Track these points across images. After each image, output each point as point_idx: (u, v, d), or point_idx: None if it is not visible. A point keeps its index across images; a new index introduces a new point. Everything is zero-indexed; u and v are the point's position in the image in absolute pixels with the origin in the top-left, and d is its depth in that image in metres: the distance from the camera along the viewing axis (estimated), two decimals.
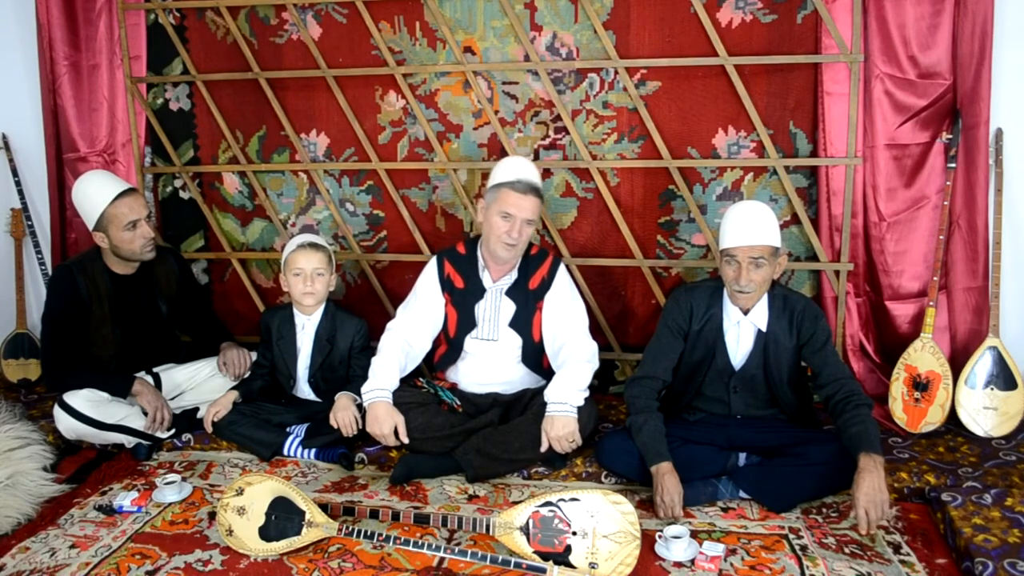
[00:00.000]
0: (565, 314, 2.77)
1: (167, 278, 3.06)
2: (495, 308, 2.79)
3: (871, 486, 2.19)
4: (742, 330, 2.54)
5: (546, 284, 2.79)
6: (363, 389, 2.69)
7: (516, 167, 2.72)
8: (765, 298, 2.51)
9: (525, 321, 2.78)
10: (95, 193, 2.82)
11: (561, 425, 2.52)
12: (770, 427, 2.58)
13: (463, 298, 2.81)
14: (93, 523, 2.44)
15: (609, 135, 3.13)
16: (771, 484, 2.43)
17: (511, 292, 2.79)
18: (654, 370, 2.60)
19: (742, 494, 2.46)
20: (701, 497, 2.45)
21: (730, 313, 2.54)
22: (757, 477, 2.45)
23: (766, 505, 2.42)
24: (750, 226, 2.41)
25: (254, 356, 3.11)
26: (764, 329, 2.51)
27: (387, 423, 2.60)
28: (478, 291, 2.80)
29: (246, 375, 3.06)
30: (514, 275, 2.79)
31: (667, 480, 2.36)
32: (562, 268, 2.82)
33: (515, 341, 2.80)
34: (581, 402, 2.58)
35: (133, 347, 2.98)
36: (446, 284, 2.84)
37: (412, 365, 2.83)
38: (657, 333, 2.63)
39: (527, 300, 2.78)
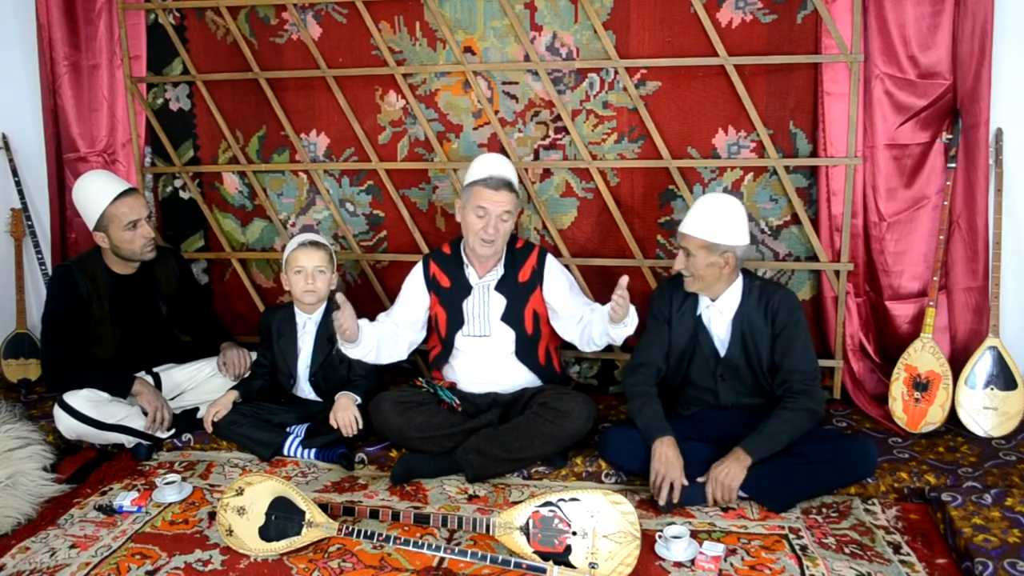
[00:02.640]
0: (571, 294, 2.82)
1: (167, 278, 3.06)
2: (484, 304, 2.80)
3: (722, 473, 2.38)
4: (713, 315, 2.62)
5: (538, 275, 2.80)
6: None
7: (488, 164, 2.75)
8: (739, 287, 2.59)
9: (517, 314, 2.80)
10: (96, 193, 2.82)
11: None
12: None
13: (450, 297, 2.83)
14: (93, 523, 2.44)
15: (609, 135, 3.13)
16: (770, 483, 2.43)
17: (500, 287, 2.80)
18: (646, 357, 2.67)
19: (741, 493, 2.46)
20: (700, 496, 2.45)
21: (702, 298, 2.63)
22: (756, 476, 2.45)
23: (765, 505, 2.42)
24: (691, 213, 2.55)
25: (254, 356, 3.11)
26: (732, 316, 2.58)
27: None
28: (464, 288, 2.82)
29: (246, 375, 3.06)
30: (500, 270, 2.81)
31: (670, 452, 2.41)
32: (550, 256, 2.86)
33: (508, 335, 2.81)
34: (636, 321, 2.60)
35: (133, 347, 2.98)
36: (432, 284, 2.86)
37: (390, 348, 2.82)
38: (646, 322, 2.71)
39: (518, 293, 2.80)
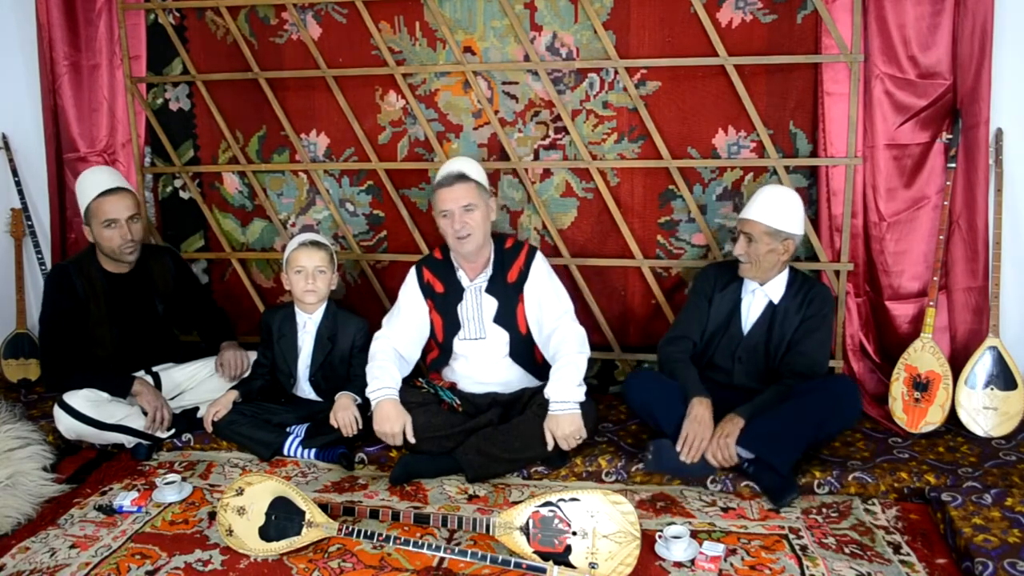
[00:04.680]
0: (548, 302, 2.78)
1: (163, 277, 3.06)
2: (476, 306, 2.80)
3: (722, 435, 2.47)
4: (755, 298, 2.72)
5: (524, 275, 2.80)
6: (368, 390, 2.70)
7: (443, 168, 2.81)
8: (785, 276, 2.72)
9: (509, 315, 2.79)
10: (85, 187, 2.87)
11: (568, 423, 2.55)
12: None
13: (444, 301, 2.83)
14: (93, 523, 2.44)
15: (609, 135, 3.13)
16: (765, 430, 2.45)
17: (491, 288, 2.80)
18: (685, 330, 2.78)
19: (741, 452, 2.48)
20: (694, 468, 2.51)
21: (748, 282, 2.74)
22: (749, 430, 2.47)
23: (765, 456, 2.43)
24: (756, 201, 2.66)
25: (253, 356, 3.10)
26: (776, 302, 2.68)
27: (397, 422, 2.62)
28: (457, 292, 2.81)
29: (245, 375, 3.05)
30: (489, 271, 2.81)
31: (706, 413, 2.52)
32: (539, 257, 2.84)
33: (502, 337, 2.80)
34: (582, 397, 2.59)
35: (130, 346, 2.98)
36: (427, 290, 2.85)
37: (403, 373, 2.83)
38: (687, 299, 2.87)
39: (508, 294, 2.79)
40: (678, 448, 2.48)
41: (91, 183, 2.87)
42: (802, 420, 2.48)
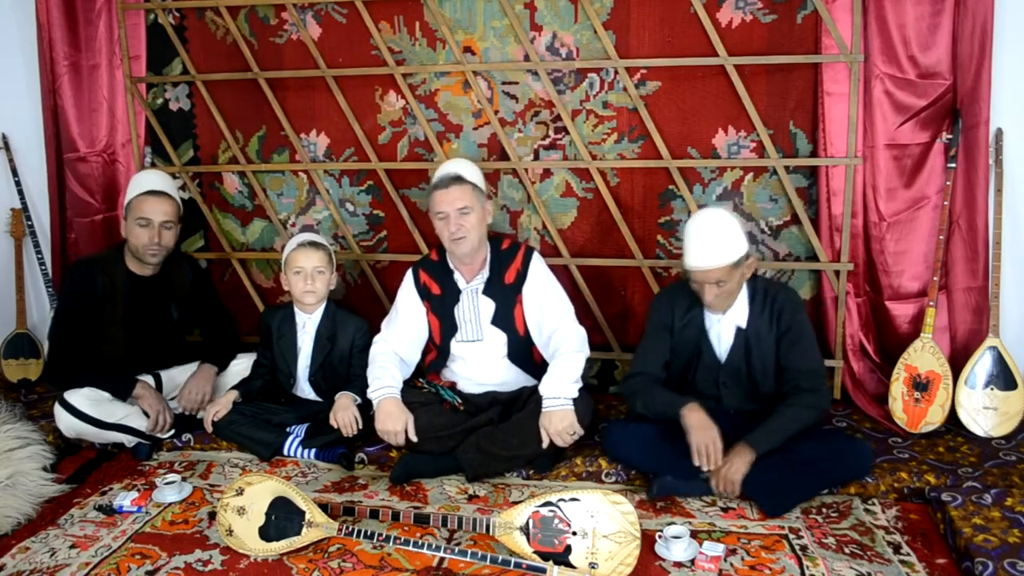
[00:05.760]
0: (547, 303, 2.77)
1: (180, 283, 3.07)
2: (474, 308, 2.80)
3: (725, 467, 2.39)
4: (723, 327, 2.60)
5: (522, 276, 2.79)
6: (370, 390, 2.70)
7: (439, 171, 2.81)
8: (744, 294, 2.56)
9: (506, 317, 2.78)
10: (136, 184, 2.97)
11: (559, 419, 2.54)
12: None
13: (441, 304, 2.82)
14: (93, 523, 2.44)
15: (609, 135, 3.13)
16: (767, 480, 2.41)
17: (488, 290, 2.79)
18: (645, 366, 2.66)
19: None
20: (696, 490, 2.47)
21: (709, 312, 2.60)
22: (753, 474, 2.43)
23: (762, 506, 2.41)
24: (703, 248, 2.43)
25: (242, 363, 3.10)
26: (744, 326, 2.56)
27: (399, 420, 2.61)
28: (454, 294, 2.81)
29: (200, 415, 2.94)
30: (486, 273, 2.80)
31: (704, 418, 2.43)
32: (536, 257, 2.82)
33: (500, 338, 2.80)
34: (575, 393, 2.59)
35: (140, 348, 2.98)
36: (423, 292, 2.85)
37: (404, 376, 2.83)
38: (644, 332, 2.71)
39: (505, 295, 2.78)
40: (694, 462, 2.41)
41: (141, 181, 2.96)
42: (808, 480, 2.44)
